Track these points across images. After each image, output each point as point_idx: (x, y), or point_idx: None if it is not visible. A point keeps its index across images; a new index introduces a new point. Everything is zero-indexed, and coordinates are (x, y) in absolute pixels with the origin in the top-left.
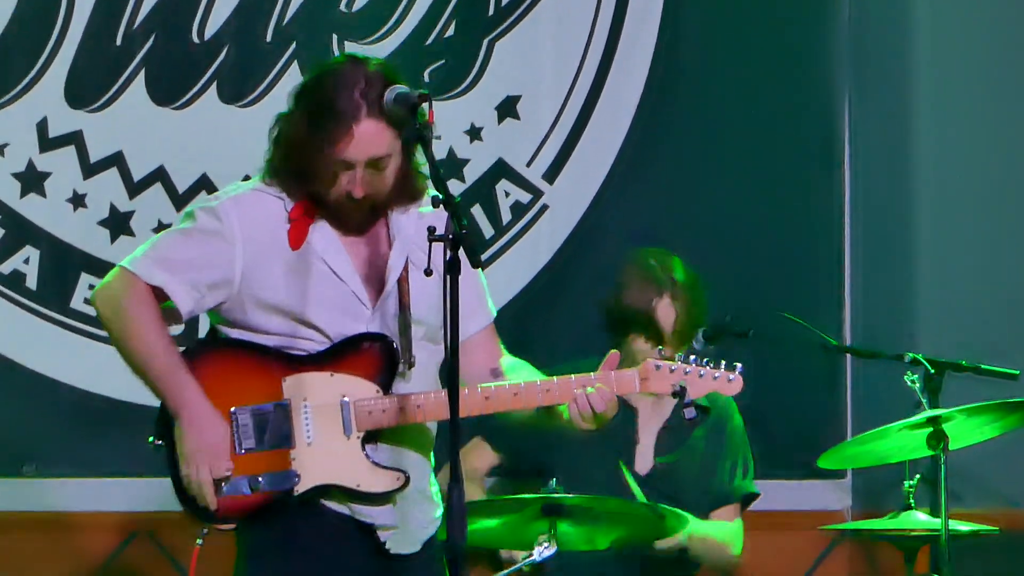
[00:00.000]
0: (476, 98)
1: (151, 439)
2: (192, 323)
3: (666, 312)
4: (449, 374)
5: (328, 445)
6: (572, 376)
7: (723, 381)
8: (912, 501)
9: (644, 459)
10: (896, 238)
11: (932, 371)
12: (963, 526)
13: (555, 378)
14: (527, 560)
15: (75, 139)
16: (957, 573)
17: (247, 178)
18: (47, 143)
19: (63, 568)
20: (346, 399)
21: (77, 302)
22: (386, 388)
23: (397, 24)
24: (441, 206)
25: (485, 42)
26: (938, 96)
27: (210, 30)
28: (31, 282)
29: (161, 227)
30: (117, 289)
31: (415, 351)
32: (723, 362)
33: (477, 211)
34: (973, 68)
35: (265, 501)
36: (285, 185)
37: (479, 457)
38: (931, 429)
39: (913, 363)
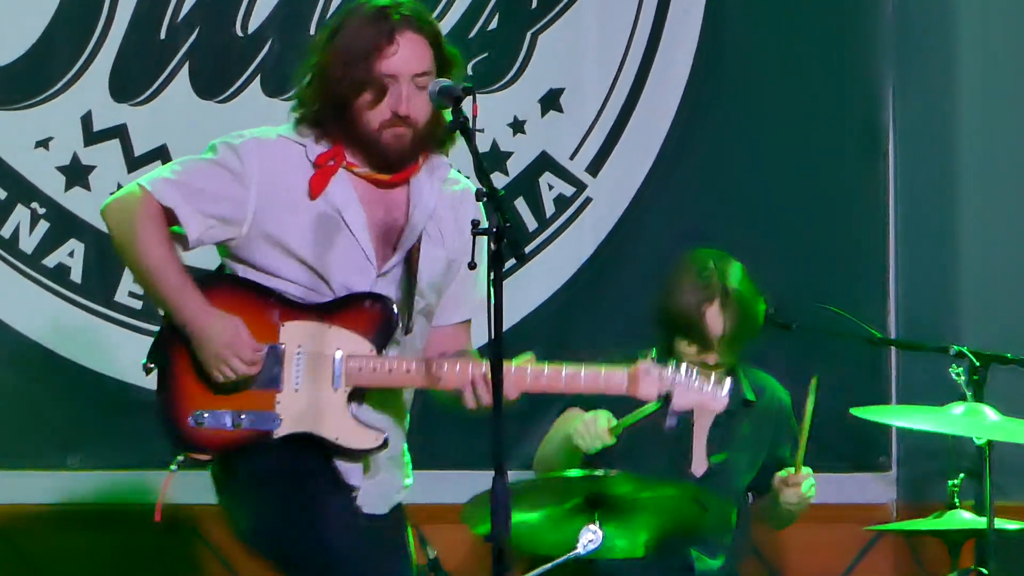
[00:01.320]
0: (519, 91)
1: (144, 361)
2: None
3: (714, 319)
4: (492, 366)
5: (314, 394)
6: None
7: (711, 396)
8: (956, 500)
9: (699, 460)
10: (941, 229)
11: (977, 363)
12: (1009, 524)
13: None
14: (571, 554)
15: (120, 133)
16: (1003, 567)
17: None
18: (92, 137)
19: (107, 560)
20: (339, 352)
21: (122, 295)
22: (380, 349)
23: (440, 17)
24: (476, 195)
25: (528, 35)
26: (983, 85)
27: (254, 23)
28: (76, 275)
29: None
30: (129, 202)
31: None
32: (713, 374)
33: (520, 204)
34: (1018, 57)
35: (244, 439)
36: (319, 125)
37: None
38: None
39: (958, 356)
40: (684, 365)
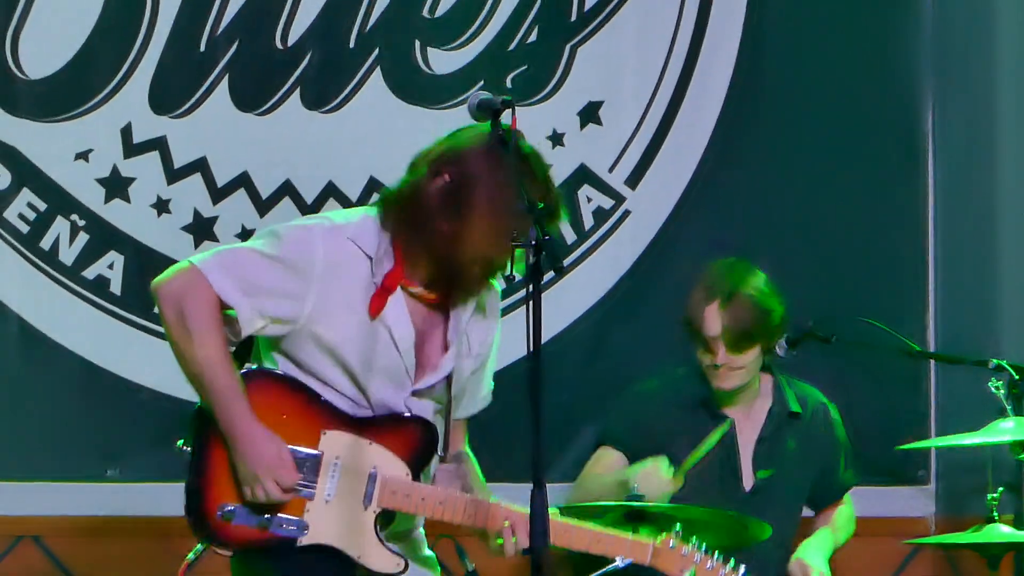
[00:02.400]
0: (558, 104)
1: (180, 442)
2: None
3: (712, 318)
4: (530, 379)
5: (345, 509)
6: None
7: None
8: (995, 514)
9: (748, 476)
10: (980, 242)
11: (1016, 377)
12: None
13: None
14: (610, 567)
15: (159, 145)
16: None
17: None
18: (131, 149)
19: (147, 572)
20: (375, 471)
21: None
22: (415, 474)
23: (480, 30)
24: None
25: (567, 48)
26: (1022, 98)
27: (293, 36)
28: (115, 287)
29: (244, 233)
30: (184, 289)
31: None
32: (732, 559)
33: None
34: None
35: (267, 540)
36: (399, 235)
37: (607, 466)
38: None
39: (997, 369)
40: (704, 546)
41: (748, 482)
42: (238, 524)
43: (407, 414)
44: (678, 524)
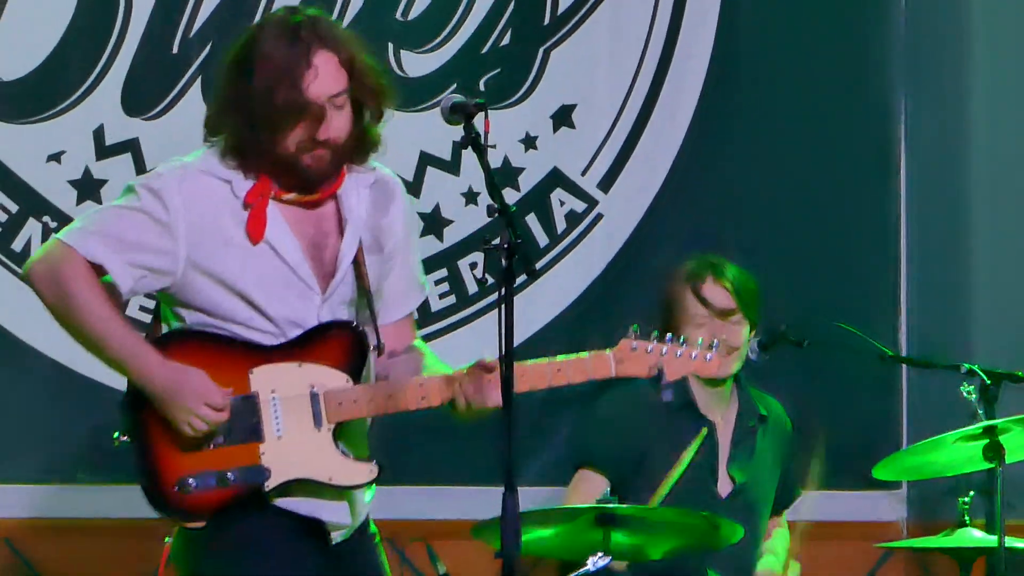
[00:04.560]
0: (531, 107)
1: (116, 435)
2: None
3: (712, 292)
4: (503, 383)
5: (299, 438)
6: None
7: (701, 361)
8: (967, 518)
9: (724, 481)
10: (953, 246)
11: (988, 382)
12: (1020, 543)
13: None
14: (581, 571)
15: (131, 147)
16: None
17: None
18: (104, 151)
19: (118, 574)
20: (315, 390)
21: (132, 310)
22: (355, 377)
23: (453, 33)
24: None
25: (541, 51)
26: (995, 102)
27: None
28: None
29: None
30: (54, 263)
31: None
32: (700, 339)
33: (532, 220)
34: None
35: (236, 495)
36: (239, 155)
37: (587, 492)
38: (987, 440)
39: (969, 374)
40: (668, 335)
41: (725, 488)
42: (198, 491)
43: (323, 322)
44: (635, 325)
